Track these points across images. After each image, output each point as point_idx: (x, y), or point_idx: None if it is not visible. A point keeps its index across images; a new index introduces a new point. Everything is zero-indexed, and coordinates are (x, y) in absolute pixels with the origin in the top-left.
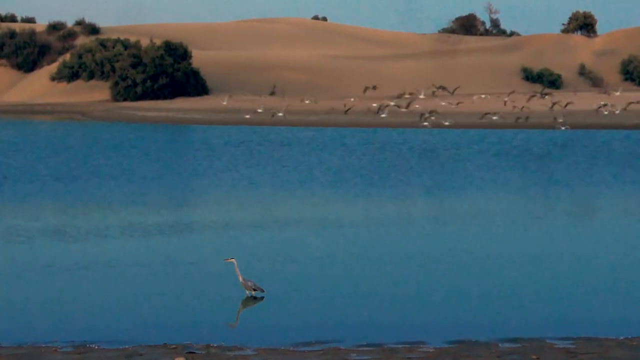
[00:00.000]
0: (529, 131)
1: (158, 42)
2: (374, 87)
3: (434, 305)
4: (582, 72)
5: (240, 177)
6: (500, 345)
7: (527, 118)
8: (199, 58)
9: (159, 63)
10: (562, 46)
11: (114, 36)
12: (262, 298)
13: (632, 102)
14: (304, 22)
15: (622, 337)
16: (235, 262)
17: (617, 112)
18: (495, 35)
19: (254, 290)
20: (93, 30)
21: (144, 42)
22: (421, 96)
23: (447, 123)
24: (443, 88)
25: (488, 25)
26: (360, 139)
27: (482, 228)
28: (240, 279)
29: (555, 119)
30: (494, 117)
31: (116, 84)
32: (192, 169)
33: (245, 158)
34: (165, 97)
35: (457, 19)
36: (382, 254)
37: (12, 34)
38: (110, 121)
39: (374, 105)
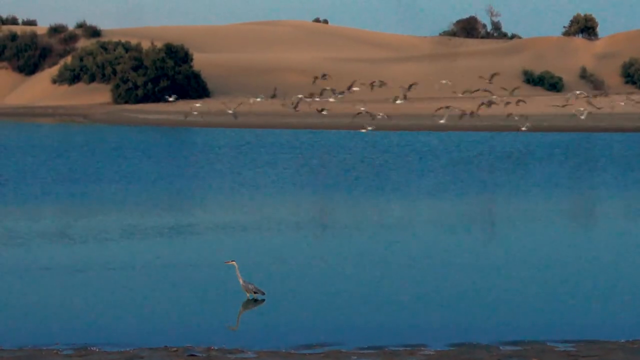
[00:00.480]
0: (493, 134)
1: (159, 44)
2: (324, 76)
3: (435, 308)
4: (584, 75)
5: (241, 179)
6: (501, 348)
7: (471, 113)
8: (200, 61)
9: (160, 66)
10: (563, 49)
11: (115, 39)
12: (263, 300)
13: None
14: (305, 25)
15: (623, 340)
16: (236, 265)
17: (583, 117)
18: (496, 38)
19: (255, 292)
20: (94, 33)
21: (145, 45)
22: (355, 88)
23: (378, 116)
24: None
25: (489, 28)
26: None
27: (482, 231)
28: (241, 281)
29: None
30: (441, 121)
31: (117, 86)
32: (193, 171)
33: (245, 160)
34: (166, 100)
35: (458, 22)
36: (382, 256)
37: (14, 37)
38: (111, 124)
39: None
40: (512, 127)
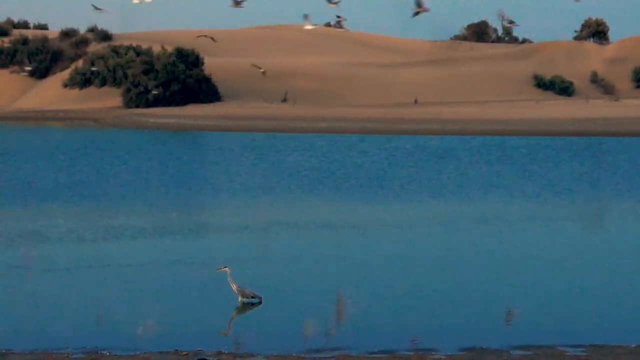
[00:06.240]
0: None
1: (170, 48)
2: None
3: (446, 312)
4: (594, 79)
5: (251, 183)
6: (511, 352)
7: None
8: (211, 65)
9: (171, 70)
10: (574, 53)
11: (126, 43)
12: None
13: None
14: (315, 29)
15: (633, 345)
16: (228, 272)
17: None
18: (507, 42)
19: (253, 297)
20: (105, 37)
21: (156, 49)
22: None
23: None
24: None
25: (500, 32)
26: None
27: (493, 235)
28: (234, 287)
29: None
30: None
31: (128, 90)
32: (204, 175)
33: (256, 164)
34: (177, 104)
35: (469, 26)
36: (391, 260)
37: (25, 41)
38: (122, 128)
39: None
40: (525, 132)
